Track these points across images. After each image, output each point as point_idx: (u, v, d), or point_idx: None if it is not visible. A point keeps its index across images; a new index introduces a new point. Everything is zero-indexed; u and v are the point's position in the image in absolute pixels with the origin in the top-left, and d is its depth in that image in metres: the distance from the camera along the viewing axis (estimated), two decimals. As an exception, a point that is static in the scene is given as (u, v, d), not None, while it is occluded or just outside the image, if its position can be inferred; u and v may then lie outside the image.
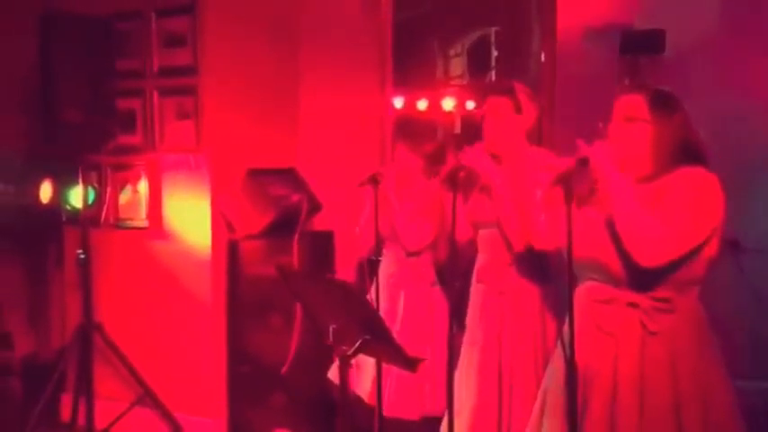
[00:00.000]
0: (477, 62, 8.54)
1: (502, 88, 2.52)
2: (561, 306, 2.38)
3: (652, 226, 1.78)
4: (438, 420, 2.55)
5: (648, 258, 1.78)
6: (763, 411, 3.24)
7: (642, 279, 1.84)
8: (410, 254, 2.88)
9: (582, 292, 1.95)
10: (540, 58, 4.68)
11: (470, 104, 7.49)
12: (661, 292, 1.85)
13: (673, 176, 1.89)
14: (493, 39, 8.43)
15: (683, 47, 3.91)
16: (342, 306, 2.05)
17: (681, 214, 1.80)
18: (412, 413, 2.75)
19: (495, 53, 8.42)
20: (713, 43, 3.88)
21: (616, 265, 1.87)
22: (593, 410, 1.86)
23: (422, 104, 7.16)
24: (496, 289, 2.43)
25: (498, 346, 2.40)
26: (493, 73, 8.45)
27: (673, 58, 3.93)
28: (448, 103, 7.32)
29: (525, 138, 2.52)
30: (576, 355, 1.82)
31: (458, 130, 7.73)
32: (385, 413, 2.78)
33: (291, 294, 2.31)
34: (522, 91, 2.49)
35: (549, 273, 2.40)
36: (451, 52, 8.90)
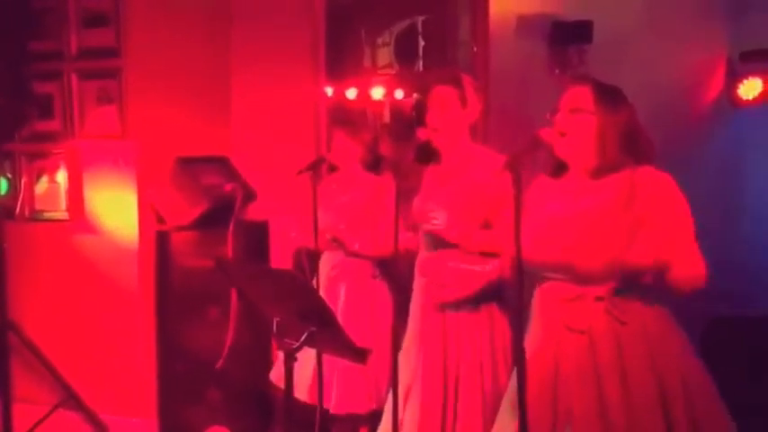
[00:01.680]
0: (405, 51, 8.54)
1: (449, 77, 2.46)
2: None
3: (694, 259, 1.85)
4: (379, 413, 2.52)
5: (702, 282, 1.87)
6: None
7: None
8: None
9: (546, 292, 1.93)
10: (468, 47, 4.71)
11: (399, 93, 7.47)
12: (624, 283, 1.87)
13: (628, 177, 1.91)
14: (420, 28, 8.45)
15: (609, 37, 4.02)
16: (287, 297, 1.98)
17: (680, 222, 1.87)
18: (360, 407, 2.71)
19: (422, 43, 8.45)
20: (639, 33, 4.01)
21: (583, 264, 1.87)
22: (581, 409, 1.84)
23: (351, 93, 7.09)
24: (438, 282, 2.38)
25: (443, 343, 2.35)
26: (420, 62, 8.48)
27: (599, 47, 4.03)
28: (377, 92, 7.27)
29: (468, 131, 2.48)
30: (547, 356, 1.84)
31: (387, 119, 7.72)
32: (333, 411, 2.73)
33: (233, 287, 2.21)
34: (468, 83, 2.45)
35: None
36: (379, 41, 8.87)
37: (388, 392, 2.43)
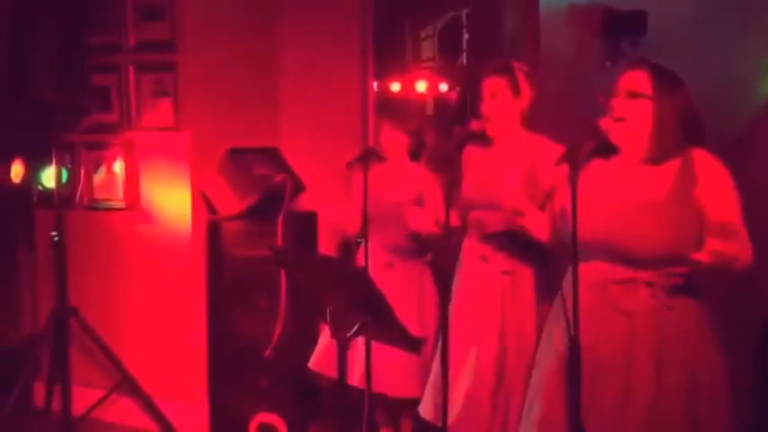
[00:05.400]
0: (448, 45, 8.50)
1: (500, 68, 2.48)
2: (550, 289, 2.38)
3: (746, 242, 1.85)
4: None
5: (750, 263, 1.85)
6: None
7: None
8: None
9: (591, 272, 1.90)
10: (512, 40, 4.67)
11: (443, 87, 7.47)
12: (677, 269, 1.85)
13: (684, 160, 1.88)
14: (464, 21, 8.40)
15: (662, 29, 3.95)
16: (342, 286, 2.01)
17: (735, 204, 1.88)
18: (410, 391, 2.74)
19: (466, 35, 8.40)
20: (692, 25, 3.93)
21: (636, 247, 1.86)
22: (606, 391, 1.85)
23: (395, 87, 7.12)
24: (500, 268, 2.41)
25: (501, 328, 2.39)
26: (464, 56, 8.44)
27: (653, 40, 3.96)
28: (421, 86, 7.29)
29: (520, 119, 2.49)
30: (585, 336, 1.81)
31: (431, 112, 7.72)
32: (380, 391, 2.76)
33: (287, 275, 2.25)
34: (519, 70, 2.46)
35: (544, 255, 2.39)
36: (422, 34, 8.85)
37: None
